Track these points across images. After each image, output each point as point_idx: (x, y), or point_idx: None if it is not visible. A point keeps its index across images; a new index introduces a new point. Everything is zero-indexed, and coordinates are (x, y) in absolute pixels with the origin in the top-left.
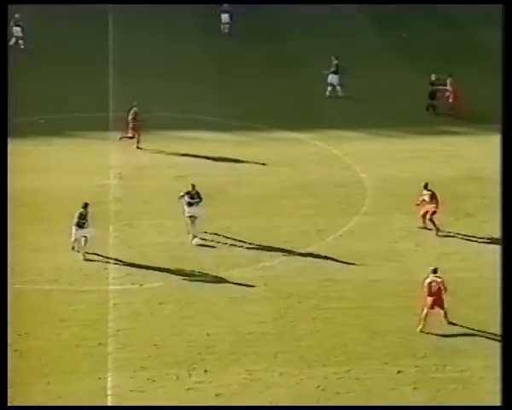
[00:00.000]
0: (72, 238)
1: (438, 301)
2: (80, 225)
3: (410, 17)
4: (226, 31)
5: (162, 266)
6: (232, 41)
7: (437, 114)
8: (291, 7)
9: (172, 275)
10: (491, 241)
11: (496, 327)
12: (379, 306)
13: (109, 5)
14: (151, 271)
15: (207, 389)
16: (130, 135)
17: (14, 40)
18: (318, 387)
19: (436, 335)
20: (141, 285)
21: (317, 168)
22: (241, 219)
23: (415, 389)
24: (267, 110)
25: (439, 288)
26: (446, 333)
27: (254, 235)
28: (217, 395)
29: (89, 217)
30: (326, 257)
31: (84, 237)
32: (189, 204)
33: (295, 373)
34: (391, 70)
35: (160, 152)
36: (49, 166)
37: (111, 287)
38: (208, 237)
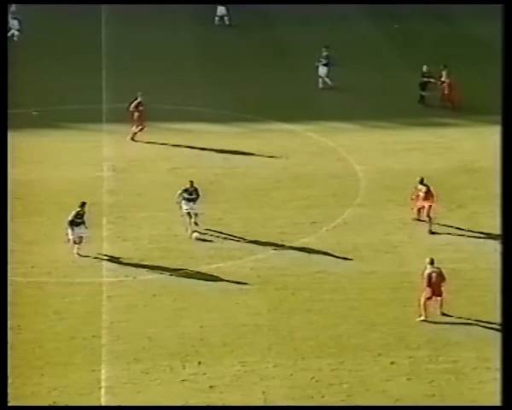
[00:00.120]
0: (70, 237)
1: (436, 291)
2: (76, 224)
3: (403, 8)
4: (227, 22)
5: (156, 258)
6: (226, 32)
7: (426, 105)
8: None
9: (166, 267)
10: (485, 232)
11: (489, 318)
12: (373, 297)
13: None
14: (145, 263)
15: (201, 380)
16: (136, 130)
17: (11, 33)
18: (312, 378)
19: (429, 326)
20: (134, 278)
21: (311, 160)
22: (234, 210)
23: (408, 380)
24: (262, 102)
25: (439, 278)
26: (439, 324)
27: (248, 227)
28: (211, 387)
29: (85, 217)
30: (320, 249)
31: (80, 236)
32: (188, 200)
33: (289, 365)
34: (384, 62)
35: (154, 144)
36: (42, 158)
37: (105, 279)
38: (202, 229)
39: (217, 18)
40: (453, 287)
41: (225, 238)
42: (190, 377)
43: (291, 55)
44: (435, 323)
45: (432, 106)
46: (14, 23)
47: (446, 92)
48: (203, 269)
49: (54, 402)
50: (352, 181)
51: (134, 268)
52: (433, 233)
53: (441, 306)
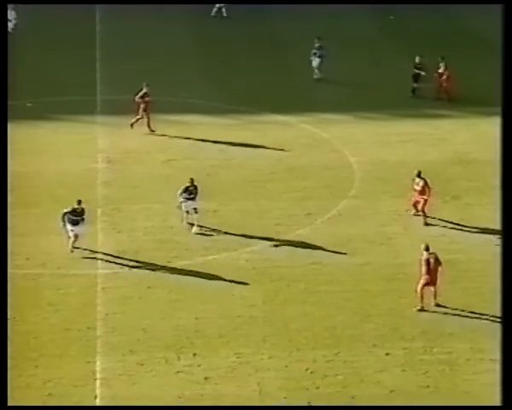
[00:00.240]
0: (70, 235)
1: (433, 279)
2: (75, 222)
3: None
4: (224, 14)
5: (151, 250)
6: (221, 24)
7: (417, 96)
8: None
9: (161, 259)
10: (479, 223)
11: (483, 309)
12: (367, 289)
13: None
14: (140, 255)
15: (196, 372)
16: (138, 117)
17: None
18: (307, 370)
19: (424, 317)
20: (129, 269)
21: (305, 151)
22: (230, 202)
23: (403, 371)
24: (256, 93)
25: (436, 264)
26: (434, 316)
27: (243, 218)
28: (206, 378)
29: (85, 214)
30: (315, 240)
31: (76, 234)
32: (188, 199)
33: (284, 356)
34: (378, 53)
35: (149, 136)
36: (36, 150)
37: (100, 271)
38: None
39: (215, 9)
40: (448, 278)
41: (220, 230)
42: (185, 369)
43: (285, 48)
44: (430, 314)
45: (426, 97)
46: (11, 14)
47: (445, 84)
48: (198, 261)
49: (49, 394)
50: (346, 173)
51: (129, 260)
52: (427, 225)
53: (435, 296)
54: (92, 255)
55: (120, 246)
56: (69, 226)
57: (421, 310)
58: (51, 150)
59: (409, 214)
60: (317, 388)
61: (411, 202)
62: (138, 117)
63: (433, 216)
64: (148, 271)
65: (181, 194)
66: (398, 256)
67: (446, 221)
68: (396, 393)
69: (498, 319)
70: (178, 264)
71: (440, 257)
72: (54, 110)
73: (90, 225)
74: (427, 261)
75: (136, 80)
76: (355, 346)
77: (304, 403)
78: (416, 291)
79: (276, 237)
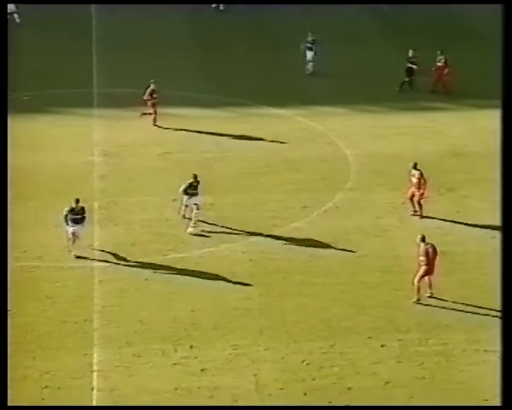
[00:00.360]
0: (70, 234)
1: (432, 269)
2: (76, 222)
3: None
4: (221, 8)
5: (147, 242)
6: (217, 17)
7: (403, 90)
8: None
9: (157, 251)
10: (474, 215)
11: (478, 301)
12: (363, 281)
13: None
14: (136, 247)
15: (193, 364)
16: (150, 112)
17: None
18: (303, 361)
19: (419, 309)
20: (126, 262)
21: (301, 144)
22: (225, 195)
23: (398, 362)
24: (252, 87)
25: (434, 253)
26: (429, 307)
27: (239, 211)
28: (202, 370)
29: (85, 213)
30: (311, 233)
31: (75, 234)
32: (191, 195)
33: (280, 348)
34: (374, 46)
35: (145, 129)
36: (33, 142)
37: (96, 264)
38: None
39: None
40: (443, 270)
41: (216, 223)
42: (182, 361)
43: (281, 41)
44: (425, 306)
45: (421, 90)
46: (11, 6)
47: (445, 78)
48: (194, 253)
49: (46, 386)
50: (342, 165)
51: (125, 252)
52: (423, 217)
53: (430, 286)
54: (89, 248)
55: (117, 239)
56: (69, 227)
57: (419, 303)
58: (48, 143)
59: (405, 207)
60: (313, 379)
61: (408, 196)
62: (149, 112)
63: (428, 208)
64: (144, 263)
65: (184, 189)
66: (393, 248)
67: (442, 213)
68: (391, 384)
69: (494, 311)
70: (175, 256)
71: (435, 247)
72: (50, 103)
73: (89, 223)
74: (426, 252)
75: (133, 73)
76: (351, 338)
77: (300, 395)
78: (412, 283)
79: (271, 230)
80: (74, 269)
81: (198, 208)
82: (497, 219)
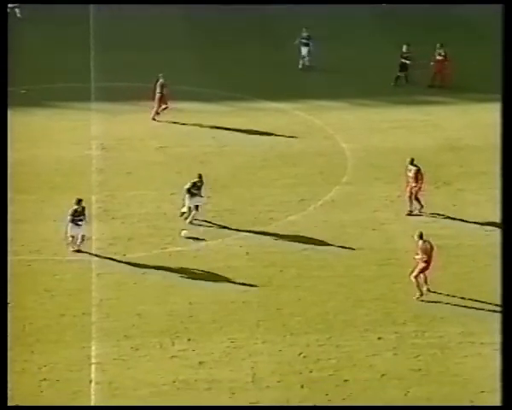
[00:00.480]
0: (68, 235)
1: (429, 265)
2: (76, 223)
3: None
4: None
5: (145, 236)
6: (214, 12)
7: (398, 85)
8: None
9: (155, 245)
10: (470, 209)
11: (473, 294)
12: (360, 274)
13: None
14: (134, 241)
15: (190, 357)
16: (163, 107)
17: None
18: (300, 354)
19: (415, 302)
20: (124, 255)
21: (298, 138)
22: (223, 189)
23: (395, 354)
24: (250, 80)
25: (431, 250)
26: (425, 301)
27: (237, 205)
28: (200, 363)
29: (86, 212)
30: (308, 226)
31: (82, 235)
32: (194, 195)
33: (277, 341)
34: (370, 40)
35: (143, 123)
36: (31, 136)
37: (94, 257)
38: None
39: None
40: (439, 263)
41: (214, 216)
42: (180, 354)
43: (278, 35)
44: (421, 299)
45: (417, 84)
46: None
47: (444, 71)
48: (192, 247)
49: (44, 379)
50: (339, 159)
51: (123, 246)
52: (421, 212)
53: (426, 281)
54: (87, 241)
55: (115, 232)
56: (71, 229)
57: (420, 297)
58: (45, 137)
59: (401, 200)
60: (310, 372)
61: (407, 194)
62: (165, 106)
63: (424, 202)
64: (142, 257)
65: (189, 189)
66: (390, 242)
67: (437, 207)
68: (388, 376)
69: (489, 304)
70: (172, 250)
71: (432, 242)
72: (48, 97)
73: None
74: (426, 249)
75: (131, 68)
76: (347, 330)
77: (297, 387)
78: (410, 279)
79: (268, 224)
80: (72, 262)
81: (198, 210)
82: (492, 213)
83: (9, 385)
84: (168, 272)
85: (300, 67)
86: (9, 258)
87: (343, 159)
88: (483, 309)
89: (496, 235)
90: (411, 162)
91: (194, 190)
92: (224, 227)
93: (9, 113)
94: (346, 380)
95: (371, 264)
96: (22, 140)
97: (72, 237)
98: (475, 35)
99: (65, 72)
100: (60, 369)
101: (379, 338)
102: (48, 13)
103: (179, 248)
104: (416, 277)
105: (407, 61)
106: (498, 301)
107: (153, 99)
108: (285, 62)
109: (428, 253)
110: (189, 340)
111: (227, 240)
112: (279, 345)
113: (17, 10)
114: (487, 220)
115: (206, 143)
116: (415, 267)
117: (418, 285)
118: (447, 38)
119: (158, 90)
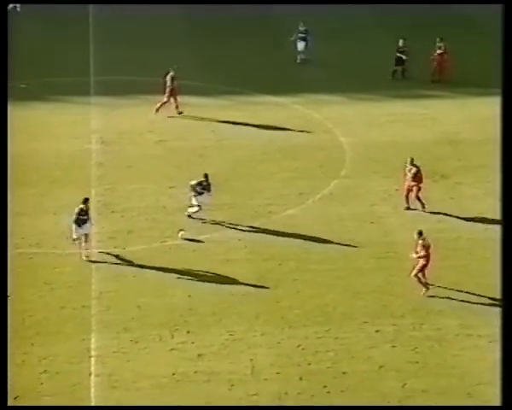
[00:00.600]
0: (74, 236)
1: (428, 263)
2: (82, 222)
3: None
4: None
5: (144, 229)
6: (213, 6)
7: (397, 79)
8: None
9: (154, 238)
10: (467, 202)
11: (471, 286)
12: (358, 267)
13: None
14: (133, 234)
15: (190, 349)
16: (164, 100)
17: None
18: (299, 346)
19: (413, 295)
20: (123, 248)
21: (297, 132)
22: (222, 182)
23: (393, 347)
24: (249, 75)
25: (429, 248)
26: (421, 293)
27: (236, 198)
28: (199, 355)
29: (90, 212)
30: (306, 220)
31: (85, 234)
32: (200, 194)
33: (276, 333)
34: (368, 35)
35: (142, 117)
36: (31, 130)
37: (94, 250)
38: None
39: None
40: (436, 256)
41: (213, 210)
42: (179, 346)
43: (279, 30)
44: (419, 292)
45: (415, 79)
46: None
47: (445, 64)
48: (191, 240)
49: (44, 371)
50: (337, 153)
51: (123, 239)
52: (424, 209)
53: (424, 275)
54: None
55: (114, 226)
56: (76, 229)
57: (427, 292)
58: (45, 131)
59: (399, 194)
60: (309, 364)
61: (405, 193)
62: (164, 101)
63: (422, 195)
64: (141, 250)
65: (194, 186)
66: (388, 235)
67: (435, 200)
68: (386, 368)
69: (486, 297)
70: (172, 243)
71: (429, 236)
72: (48, 91)
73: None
74: (425, 247)
75: (130, 62)
76: (346, 323)
77: (296, 379)
78: (413, 279)
79: (268, 217)
80: (72, 255)
81: (200, 209)
82: (490, 206)
83: (10, 377)
84: (168, 265)
85: (299, 61)
86: (9, 251)
87: (341, 153)
88: (480, 302)
89: (493, 228)
90: (411, 162)
91: (200, 188)
92: (224, 221)
93: (9, 107)
94: (344, 372)
95: (369, 257)
96: (22, 134)
97: (78, 238)
98: (474, 30)
99: (64, 66)
100: (60, 361)
101: (377, 331)
102: (48, 8)
103: (179, 242)
104: (416, 275)
105: (403, 56)
106: (496, 294)
107: (163, 92)
108: (284, 57)
109: (429, 251)
110: (188, 332)
111: (226, 233)
112: (278, 337)
113: (18, 5)
114: (485, 213)
115: (205, 137)
116: (414, 266)
117: (421, 282)
118: (446, 33)
119: (168, 83)
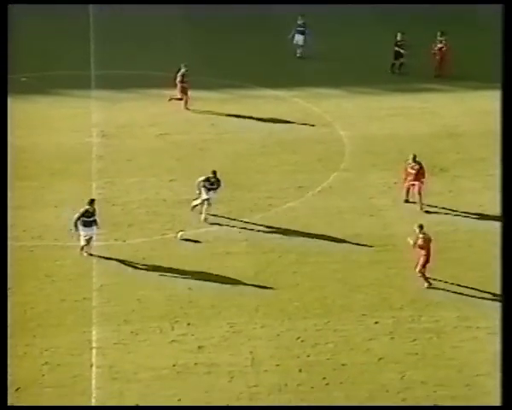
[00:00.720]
0: (82, 242)
1: (429, 257)
2: (88, 224)
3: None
4: None
5: (145, 222)
6: (215, 5)
7: (395, 72)
8: None
9: (155, 231)
10: (466, 195)
11: (469, 279)
12: (357, 260)
13: None
14: (134, 227)
15: (190, 341)
16: (179, 96)
17: None
18: (298, 338)
19: (412, 287)
20: (124, 241)
21: (297, 125)
22: (222, 175)
23: (391, 339)
24: (249, 69)
25: (430, 241)
26: (422, 286)
27: (236, 191)
28: (199, 347)
29: (96, 215)
30: (306, 213)
31: (90, 237)
32: (208, 190)
33: (276, 325)
34: (368, 28)
35: (143, 110)
36: (31, 123)
37: (95, 243)
38: (189, 195)
39: None
40: (435, 249)
41: (214, 203)
42: (179, 338)
43: (279, 23)
44: (418, 284)
45: (415, 72)
46: None
47: (447, 57)
48: (191, 233)
49: (46, 362)
50: (337, 146)
51: (123, 232)
52: (422, 208)
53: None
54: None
55: (115, 219)
56: (82, 230)
57: (430, 286)
58: (46, 124)
59: (398, 187)
60: (308, 356)
61: (405, 188)
62: (179, 97)
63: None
64: (142, 242)
65: (201, 182)
66: (387, 228)
67: (434, 193)
68: (384, 360)
69: (485, 289)
70: (172, 236)
71: (428, 229)
72: (49, 85)
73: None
74: (426, 241)
75: (131, 56)
76: (345, 315)
77: (295, 371)
78: (418, 273)
79: (267, 210)
80: (73, 248)
81: (209, 204)
82: (489, 199)
83: (11, 369)
84: (168, 258)
85: (298, 55)
86: (10, 244)
87: (341, 146)
88: (479, 294)
89: (492, 221)
90: (414, 159)
91: (208, 185)
92: (223, 213)
93: (10, 100)
94: (343, 364)
95: (368, 250)
96: (23, 127)
97: (83, 238)
98: (474, 26)
99: (65, 59)
100: (61, 353)
101: (376, 323)
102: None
103: (179, 235)
104: (420, 270)
105: (401, 50)
106: (494, 286)
107: (174, 87)
108: (284, 52)
109: (429, 245)
110: (188, 325)
111: (226, 226)
112: (277, 330)
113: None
114: (484, 206)
115: (205, 131)
116: (417, 262)
117: (425, 277)
118: (444, 25)
119: (179, 79)
